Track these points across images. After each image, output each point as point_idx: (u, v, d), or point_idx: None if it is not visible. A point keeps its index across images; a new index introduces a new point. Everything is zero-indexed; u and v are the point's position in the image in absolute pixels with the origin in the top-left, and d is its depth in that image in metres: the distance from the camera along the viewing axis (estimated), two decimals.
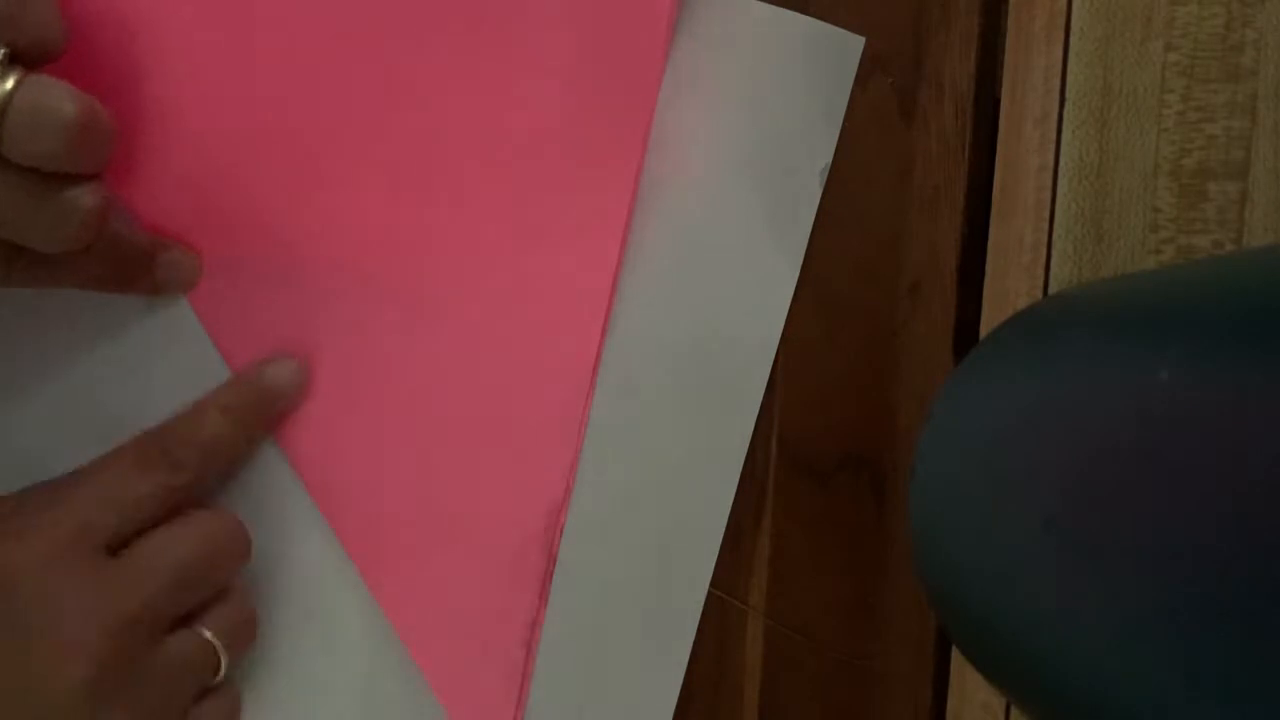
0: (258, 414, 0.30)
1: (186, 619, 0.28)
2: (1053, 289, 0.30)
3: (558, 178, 0.32)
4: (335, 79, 0.30)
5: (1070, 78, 0.29)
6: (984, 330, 0.32)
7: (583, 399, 0.32)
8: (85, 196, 0.25)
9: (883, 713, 0.33)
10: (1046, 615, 0.19)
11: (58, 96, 0.24)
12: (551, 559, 0.32)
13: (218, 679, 0.29)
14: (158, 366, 0.31)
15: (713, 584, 0.33)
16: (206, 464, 0.29)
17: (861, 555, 0.33)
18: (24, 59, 0.24)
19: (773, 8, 0.32)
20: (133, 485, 0.27)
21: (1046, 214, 0.30)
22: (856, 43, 0.32)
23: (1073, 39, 0.29)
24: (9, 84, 0.23)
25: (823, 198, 0.32)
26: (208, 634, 0.28)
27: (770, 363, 0.33)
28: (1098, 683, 0.17)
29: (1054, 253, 0.30)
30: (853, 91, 0.32)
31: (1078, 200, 0.30)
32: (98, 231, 0.26)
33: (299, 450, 0.31)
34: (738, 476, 0.33)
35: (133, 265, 0.29)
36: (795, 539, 0.33)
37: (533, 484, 0.32)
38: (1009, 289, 0.31)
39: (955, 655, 0.32)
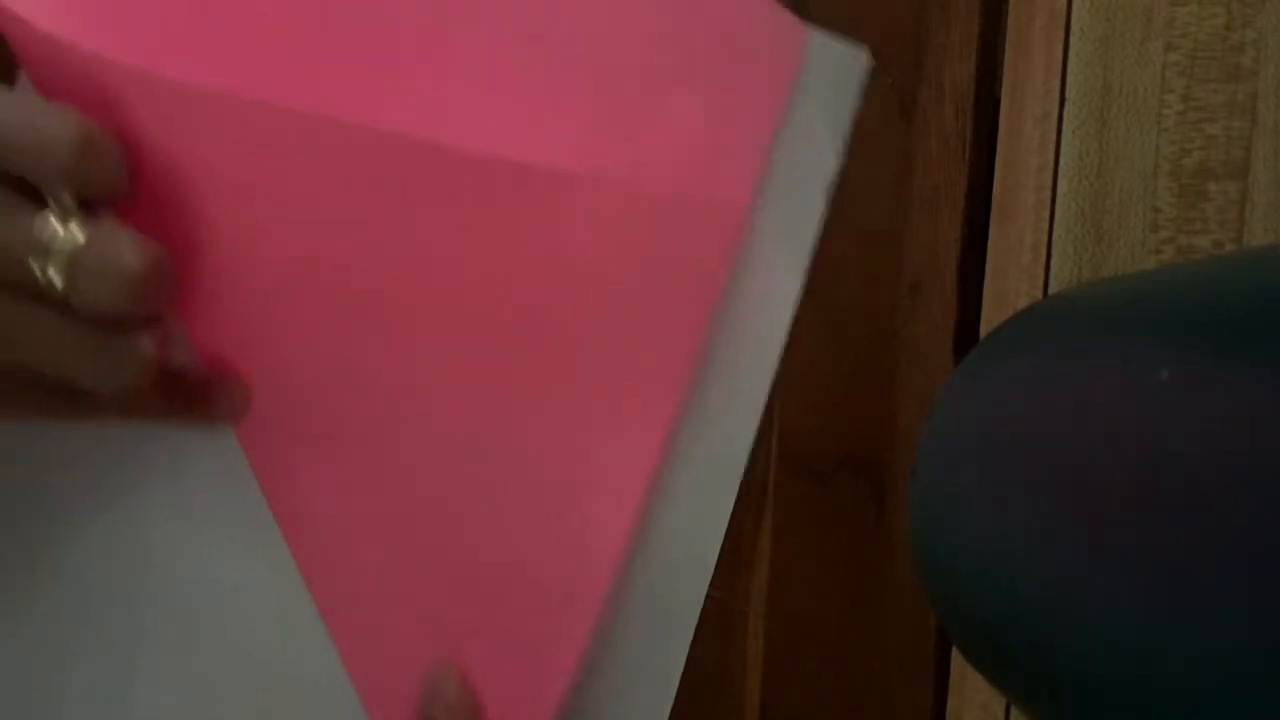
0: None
1: None
2: (1053, 289, 0.30)
3: (614, 342, 0.32)
4: (396, 225, 0.30)
5: (1070, 78, 0.29)
6: (984, 330, 0.32)
7: (621, 548, 0.32)
8: (144, 343, 0.25)
9: (883, 712, 0.33)
10: (1046, 615, 0.19)
11: (124, 249, 0.24)
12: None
13: None
14: (193, 484, 0.31)
15: (713, 584, 0.33)
16: None
17: (861, 555, 0.33)
18: (90, 203, 0.24)
19: None
20: None
21: (1046, 214, 0.30)
22: (862, 58, 0.32)
23: (1073, 39, 0.29)
24: (77, 234, 0.23)
25: None
26: None
27: (771, 377, 0.33)
28: (1098, 682, 0.17)
29: (1054, 253, 0.30)
30: None
31: (1078, 200, 0.30)
32: (154, 375, 0.26)
33: (327, 588, 0.31)
34: (738, 483, 0.33)
35: (186, 400, 0.29)
36: (795, 539, 0.33)
37: (551, 650, 0.32)
38: (1009, 289, 0.31)
39: (955, 655, 0.32)
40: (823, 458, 0.33)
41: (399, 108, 0.31)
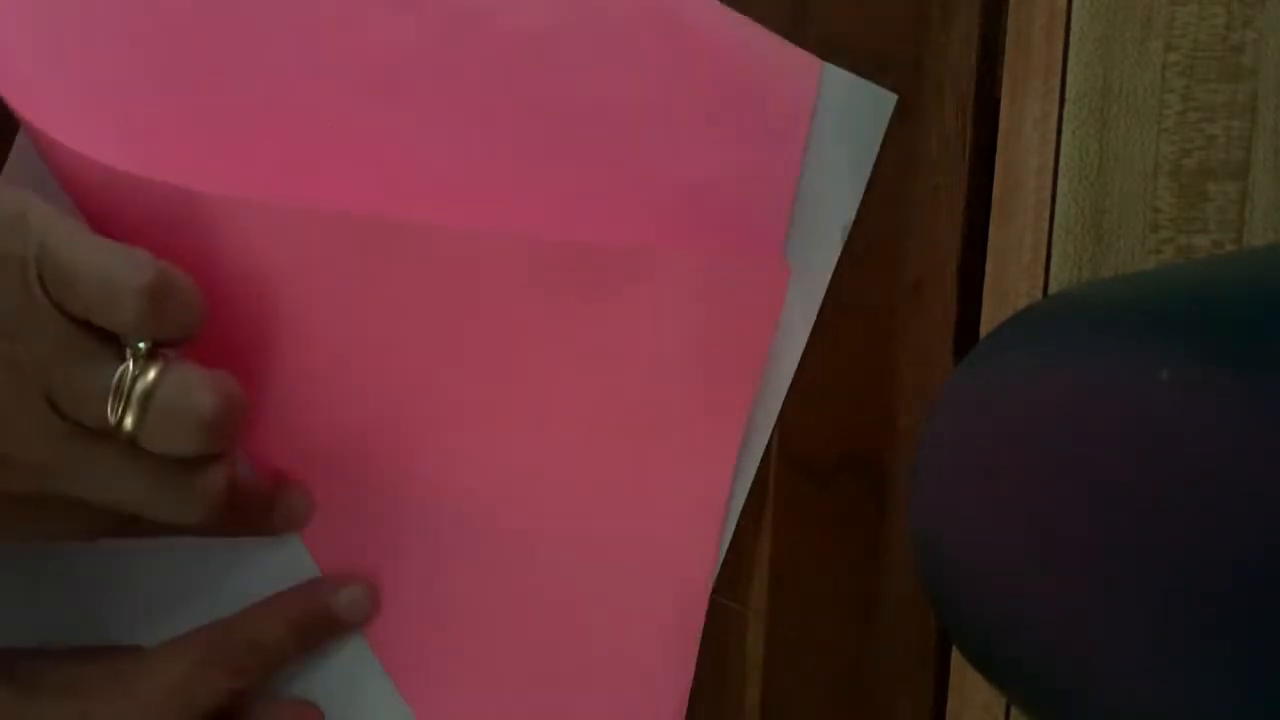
0: (321, 634, 0.31)
1: None
2: (1053, 289, 0.30)
3: (668, 416, 0.32)
4: (448, 326, 0.30)
5: (1070, 78, 0.30)
6: (984, 330, 0.32)
7: (698, 622, 0.32)
8: (215, 477, 0.25)
9: (883, 713, 0.33)
10: (1047, 615, 0.19)
11: (198, 391, 0.24)
12: None
13: None
14: (253, 571, 0.31)
15: (713, 586, 0.33)
16: (266, 670, 0.30)
17: (861, 555, 0.33)
18: (164, 342, 0.24)
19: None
20: (197, 684, 0.28)
21: (1046, 214, 0.30)
22: (888, 99, 0.32)
23: (1073, 39, 0.29)
24: (150, 377, 0.23)
25: None
26: None
27: (780, 404, 0.33)
28: (1098, 683, 0.17)
29: (1054, 253, 0.30)
30: None
31: (1078, 200, 0.30)
32: (225, 504, 0.26)
33: (410, 685, 0.32)
34: (745, 494, 0.33)
35: (250, 514, 0.29)
36: (795, 539, 0.33)
37: None
38: (1009, 289, 0.31)
39: (955, 655, 0.32)
40: (823, 458, 0.33)
41: (432, 200, 0.31)
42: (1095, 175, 0.29)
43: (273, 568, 0.31)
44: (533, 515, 0.32)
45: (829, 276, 0.33)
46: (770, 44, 0.32)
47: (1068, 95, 0.30)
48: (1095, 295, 0.24)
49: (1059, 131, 0.30)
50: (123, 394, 0.23)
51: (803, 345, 0.33)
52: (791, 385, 0.33)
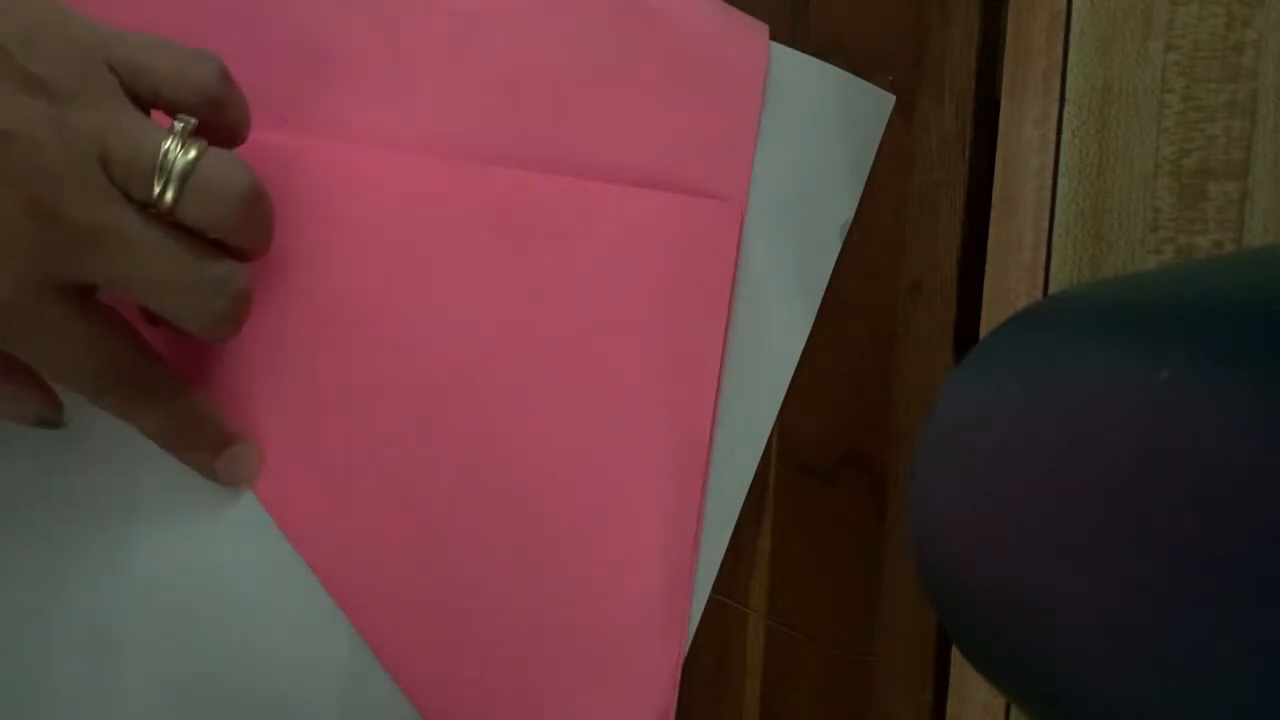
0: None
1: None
2: (1053, 289, 0.30)
3: (644, 369, 0.32)
4: (440, 281, 0.31)
5: (1070, 78, 0.29)
6: (984, 330, 0.32)
7: (686, 603, 0.32)
8: (240, 275, 0.27)
9: (883, 712, 0.33)
10: (1048, 615, 0.19)
11: (233, 167, 0.26)
12: None
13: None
14: (242, 569, 0.31)
15: (713, 585, 0.33)
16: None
17: (861, 555, 0.33)
18: (216, 136, 0.27)
19: (804, 56, 0.32)
20: None
21: (1046, 214, 0.30)
22: (887, 100, 0.32)
23: (1073, 39, 0.29)
24: (191, 155, 0.25)
25: None
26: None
27: (779, 403, 0.33)
28: (1099, 682, 0.17)
29: (1054, 253, 0.30)
30: None
31: (1078, 200, 0.30)
32: (238, 323, 0.27)
33: (378, 635, 0.32)
34: (745, 493, 0.33)
35: (205, 435, 0.30)
36: (795, 539, 0.33)
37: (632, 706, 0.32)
38: (1009, 289, 0.31)
39: (955, 655, 0.32)
40: (823, 457, 0.33)
41: (405, 135, 0.31)
42: (1095, 175, 0.29)
43: (259, 566, 0.31)
44: (515, 484, 0.32)
45: (828, 276, 0.33)
46: (719, 11, 0.32)
47: (1068, 95, 0.30)
48: (1095, 295, 0.24)
49: (1059, 131, 0.30)
50: (166, 170, 0.25)
51: (802, 345, 0.33)
52: (791, 385, 0.33)
